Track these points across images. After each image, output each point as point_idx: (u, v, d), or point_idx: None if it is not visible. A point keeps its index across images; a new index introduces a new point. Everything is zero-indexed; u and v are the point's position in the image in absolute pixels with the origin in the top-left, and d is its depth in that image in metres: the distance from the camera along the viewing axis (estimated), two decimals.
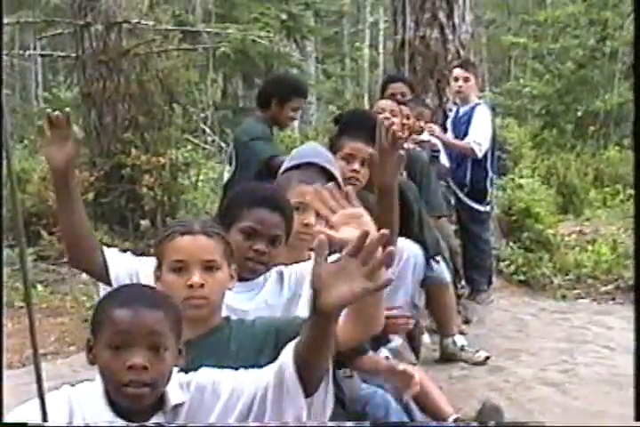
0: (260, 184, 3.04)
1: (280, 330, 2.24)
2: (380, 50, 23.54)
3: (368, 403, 2.78)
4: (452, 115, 6.45)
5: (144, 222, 7.86)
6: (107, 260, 2.58)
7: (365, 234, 1.71)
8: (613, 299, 6.82)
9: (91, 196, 7.98)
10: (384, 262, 1.72)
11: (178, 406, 1.96)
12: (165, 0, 10.69)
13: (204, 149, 9.84)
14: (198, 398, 1.98)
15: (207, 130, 9.85)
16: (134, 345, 1.88)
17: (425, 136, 5.74)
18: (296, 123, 17.94)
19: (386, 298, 2.17)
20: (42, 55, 16.18)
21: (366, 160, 3.60)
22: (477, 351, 5.10)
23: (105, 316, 1.93)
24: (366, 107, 17.12)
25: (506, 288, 6.96)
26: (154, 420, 1.93)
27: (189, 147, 8.88)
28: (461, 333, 5.25)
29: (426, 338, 4.93)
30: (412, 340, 3.90)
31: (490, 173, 6.27)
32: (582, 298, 6.91)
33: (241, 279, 2.41)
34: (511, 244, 7.40)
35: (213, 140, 10.17)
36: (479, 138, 6.06)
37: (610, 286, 7.03)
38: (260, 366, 2.07)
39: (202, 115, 9.78)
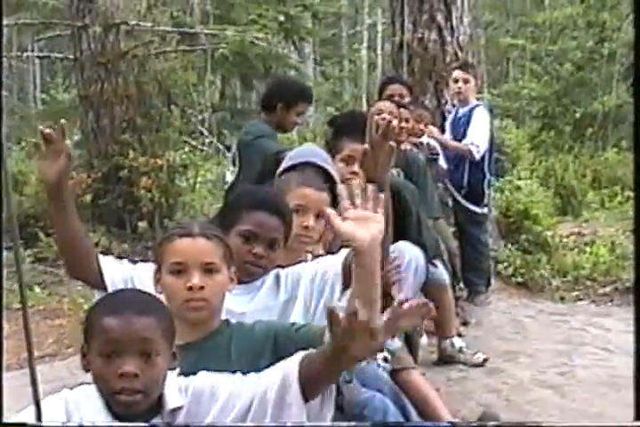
0: (259, 187, 3.04)
1: (279, 335, 2.24)
2: (379, 51, 23.54)
3: (366, 407, 2.78)
4: (450, 116, 6.45)
5: (142, 224, 7.86)
6: (102, 267, 2.57)
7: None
8: (612, 301, 6.82)
9: (88, 197, 7.97)
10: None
11: (176, 410, 1.96)
12: (163, 2, 10.67)
13: (202, 150, 9.83)
14: (196, 402, 1.98)
15: (205, 132, 9.84)
16: (125, 353, 1.89)
17: (424, 138, 5.74)
18: None
19: None
20: (40, 57, 16.15)
21: None
22: (475, 353, 5.09)
23: (95, 324, 1.94)
24: (364, 108, 17.11)
25: (504, 290, 6.95)
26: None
27: (187, 149, 8.87)
28: (459, 335, 5.25)
29: (424, 340, 4.92)
30: (411, 343, 3.90)
31: (487, 175, 6.27)
32: (580, 300, 6.91)
33: (239, 282, 2.41)
34: (509, 245, 7.39)
35: (211, 142, 10.16)
36: (477, 140, 6.06)
37: (608, 288, 7.02)
38: (259, 370, 2.08)
39: (200, 116, 9.77)
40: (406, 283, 3.69)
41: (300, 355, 1.97)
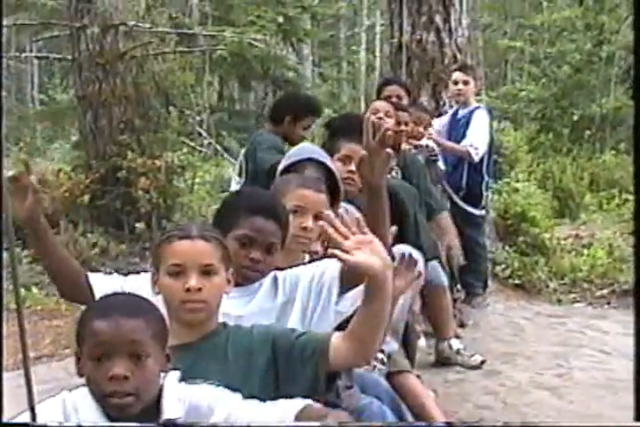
0: (255, 190, 3.03)
1: (277, 340, 2.24)
2: (377, 53, 23.54)
3: (364, 413, 2.78)
4: (448, 116, 6.43)
5: (139, 225, 7.85)
6: (92, 285, 2.57)
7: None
8: (609, 303, 6.82)
9: (86, 198, 7.97)
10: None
11: (173, 420, 1.96)
12: (162, 3, 10.68)
13: (200, 151, 9.84)
14: (193, 416, 1.98)
15: (203, 133, 9.86)
16: (115, 355, 1.89)
17: (423, 141, 5.74)
18: None
19: None
20: (38, 57, 16.17)
21: None
22: (473, 355, 5.09)
23: (86, 327, 1.95)
24: (362, 110, 17.11)
25: (501, 292, 6.96)
26: None
27: (185, 149, 8.88)
28: (457, 336, 5.25)
29: (422, 342, 4.93)
30: (408, 346, 3.90)
31: (486, 177, 6.27)
32: (578, 302, 6.92)
33: (236, 284, 2.41)
34: (507, 248, 7.40)
35: (209, 143, 10.18)
36: (476, 141, 6.06)
37: (605, 291, 7.03)
38: (254, 373, 2.12)
39: (198, 117, 9.78)
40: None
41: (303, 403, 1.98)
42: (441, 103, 6.91)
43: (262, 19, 13.01)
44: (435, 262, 4.68)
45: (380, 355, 2.95)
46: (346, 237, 2.06)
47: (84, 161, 8.54)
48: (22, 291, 6.34)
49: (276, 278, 2.63)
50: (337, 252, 2.04)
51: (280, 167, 3.42)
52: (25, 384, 1.30)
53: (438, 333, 5.06)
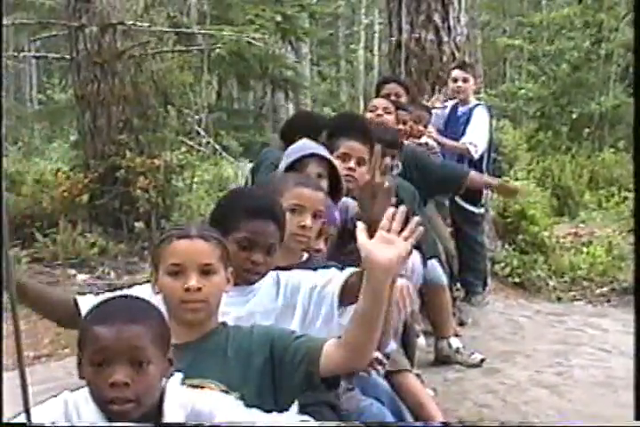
0: (252, 191, 2.98)
1: (275, 342, 2.23)
2: (375, 52, 23.59)
3: (364, 414, 2.78)
4: (446, 110, 6.37)
5: (138, 224, 7.85)
6: (81, 311, 2.48)
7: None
8: (608, 301, 6.82)
9: (85, 198, 7.97)
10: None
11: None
12: (160, 2, 10.66)
13: (199, 151, 9.82)
14: (193, 421, 1.97)
15: (202, 132, 9.83)
16: (115, 362, 1.88)
17: (423, 139, 5.74)
18: None
19: None
20: (36, 57, 16.16)
21: (362, 159, 3.67)
22: (472, 354, 5.10)
23: (87, 333, 1.93)
24: (361, 108, 17.09)
25: (501, 290, 6.96)
26: None
27: (184, 149, 8.87)
28: (457, 335, 5.25)
29: (421, 340, 4.93)
30: (407, 345, 3.90)
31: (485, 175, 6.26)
32: (577, 300, 6.91)
33: (235, 284, 2.40)
34: (506, 246, 7.39)
35: (208, 143, 10.16)
36: (476, 139, 6.05)
37: (605, 289, 7.03)
38: (251, 375, 2.12)
39: (196, 117, 9.76)
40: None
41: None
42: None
43: (261, 18, 13.00)
44: (434, 261, 4.69)
45: (378, 355, 2.94)
46: (387, 230, 2.06)
47: (82, 161, 8.54)
48: None
49: (278, 280, 2.63)
50: (362, 226, 2.07)
51: (282, 165, 3.43)
52: (20, 385, 1.29)
53: (438, 331, 5.06)
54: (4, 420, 1.65)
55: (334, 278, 2.55)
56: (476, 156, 6.06)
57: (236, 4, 14.71)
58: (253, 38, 10.51)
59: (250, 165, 5.30)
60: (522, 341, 5.71)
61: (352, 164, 3.67)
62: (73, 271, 7.19)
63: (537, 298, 6.92)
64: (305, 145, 3.51)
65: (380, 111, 4.97)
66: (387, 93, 5.66)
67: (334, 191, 3.36)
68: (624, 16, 15.47)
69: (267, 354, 2.20)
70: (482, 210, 6.37)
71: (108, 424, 1.92)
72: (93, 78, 8.29)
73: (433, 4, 6.95)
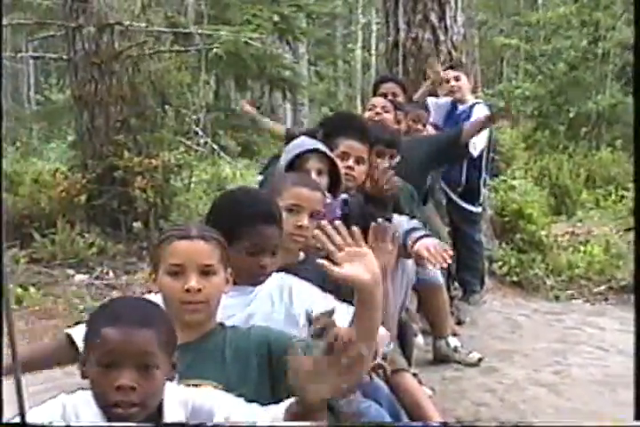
0: (250, 195, 2.89)
1: (272, 345, 2.23)
2: (373, 51, 23.58)
3: (362, 417, 2.79)
4: (435, 103, 6.30)
5: (137, 225, 7.84)
6: (77, 345, 2.46)
7: (336, 336, 1.78)
8: (606, 299, 6.83)
9: (83, 198, 7.96)
10: (357, 362, 1.78)
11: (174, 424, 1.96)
12: (157, 2, 10.65)
13: (197, 150, 9.81)
14: (194, 419, 1.97)
15: (199, 132, 9.82)
16: (123, 365, 1.87)
17: None
18: (289, 124, 17.98)
19: None
20: (34, 57, 16.16)
21: (361, 158, 3.69)
22: (470, 353, 5.10)
23: (95, 333, 1.92)
24: (359, 108, 17.10)
25: (499, 289, 6.96)
26: None
27: (182, 149, 8.85)
28: (454, 334, 5.25)
29: (419, 340, 4.93)
30: (405, 345, 3.90)
31: (484, 174, 6.26)
32: (575, 299, 6.92)
33: (235, 283, 2.40)
34: (504, 245, 7.40)
35: (206, 142, 10.15)
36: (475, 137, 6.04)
37: (603, 287, 7.04)
38: (249, 375, 2.14)
39: (194, 117, 9.75)
40: (395, 284, 3.70)
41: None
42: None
43: (258, 17, 13.00)
44: None
45: (379, 360, 2.94)
46: (340, 249, 2.07)
47: (80, 161, 8.52)
48: (19, 291, 6.33)
49: (290, 288, 2.62)
50: (325, 263, 2.07)
51: (283, 162, 3.44)
52: (15, 386, 1.29)
53: (435, 331, 5.06)
54: (4, 420, 1.65)
55: (344, 317, 2.39)
56: (475, 153, 6.05)
57: (234, 4, 14.69)
58: (251, 38, 10.50)
59: (259, 177, 5.25)
60: (520, 340, 5.71)
61: (351, 162, 3.70)
62: (71, 271, 7.19)
63: (535, 297, 6.93)
64: (305, 141, 3.53)
65: (378, 110, 5.00)
66: (384, 93, 5.67)
67: (334, 188, 3.38)
68: (621, 15, 15.49)
69: (265, 355, 2.21)
70: (479, 209, 6.37)
71: (107, 424, 1.92)
72: (91, 78, 8.28)
73: (430, 4, 6.96)
